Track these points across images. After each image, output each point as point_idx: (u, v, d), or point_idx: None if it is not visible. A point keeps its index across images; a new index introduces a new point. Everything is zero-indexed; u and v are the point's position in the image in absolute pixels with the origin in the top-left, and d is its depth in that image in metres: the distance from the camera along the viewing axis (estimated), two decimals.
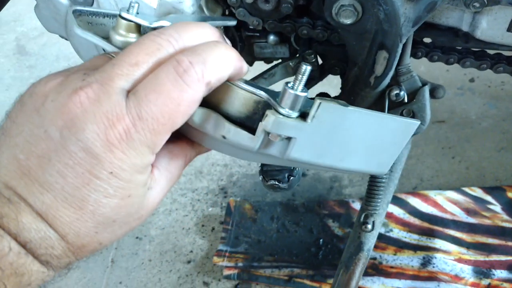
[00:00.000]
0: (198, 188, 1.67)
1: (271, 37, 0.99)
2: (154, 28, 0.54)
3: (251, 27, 0.93)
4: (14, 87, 2.20)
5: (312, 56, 0.93)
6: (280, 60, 1.06)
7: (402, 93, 0.87)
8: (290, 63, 0.96)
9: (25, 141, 0.45)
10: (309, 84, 1.04)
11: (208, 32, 0.51)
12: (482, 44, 0.87)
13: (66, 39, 0.92)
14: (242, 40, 1.01)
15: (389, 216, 1.40)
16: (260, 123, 0.49)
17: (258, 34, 1.01)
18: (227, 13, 0.95)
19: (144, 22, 0.54)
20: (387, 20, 0.78)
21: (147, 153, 0.46)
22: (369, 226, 0.96)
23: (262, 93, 0.50)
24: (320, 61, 1.01)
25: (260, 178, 0.83)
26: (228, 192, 1.64)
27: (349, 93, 0.95)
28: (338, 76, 1.02)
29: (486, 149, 1.67)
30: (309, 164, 0.53)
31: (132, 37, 0.55)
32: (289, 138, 0.50)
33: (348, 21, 0.82)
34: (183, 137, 0.56)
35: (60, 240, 0.46)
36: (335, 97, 1.01)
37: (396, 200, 1.44)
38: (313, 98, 0.51)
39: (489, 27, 0.83)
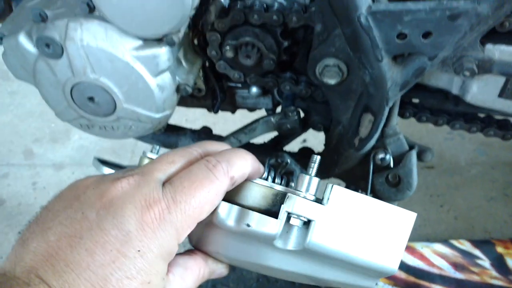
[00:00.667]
0: None
1: (253, 89, 0.94)
2: None
3: (232, 78, 0.89)
4: None
5: (294, 113, 0.88)
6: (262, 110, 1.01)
7: (388, 157, 0.82)
8: (272, 119, 0.91)
9: (59, 223, 0.47)
10: (290, 138, 1.00)
11: (223, 144, 0.61)
12: (473, 108, 0.83)
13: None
14: (223, 90, 0.96)
15: None
16: (282, 205, 0.53)
17: (240, 85, 0.96)
18: (207, 64, 0.91)
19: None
20: (373, 83, 0.74)
21: (174, 237, 0.48)
22: None
23: (280, 186, 0.56)
24: (302, 114, 0.96)
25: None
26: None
27: (333, 152, 0.90)
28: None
29: (475, 198, 1.62)
30: (327, 256, 0.54)
31: None
32: (307, 225, 0.53)
33: (332, 82, 0.78)
34: (199, 253, 0.59)
35: None
36: (319, 153, 0.97)
37: None
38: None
39: (479, 92, 0.79)
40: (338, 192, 0.53)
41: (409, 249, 1.40)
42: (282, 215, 0.53)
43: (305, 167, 0.70)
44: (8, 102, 2.22)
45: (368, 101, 0.77)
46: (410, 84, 0.74)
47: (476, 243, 1.42)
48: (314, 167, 0.56)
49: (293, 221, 0.53)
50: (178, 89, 0.83)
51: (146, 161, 0.60)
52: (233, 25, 0.80)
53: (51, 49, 0.76)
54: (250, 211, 0.53)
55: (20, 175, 1.82)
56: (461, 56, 0.71)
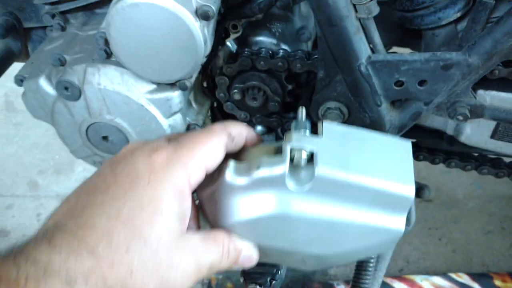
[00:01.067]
0: None
1: (258, 128, 0.99)
2: None
3: (238, 118, 0.93)
4: None
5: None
6: None
7: None
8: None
9: (78, 189, 0.51)
10: None
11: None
12: (467, 148, 0.88)
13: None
14: None
15: None
16: (283, 142, 0.54)
17: (245, 123, 1.01)
18: (215, 105, 0.96)
19: None
20: (373, 125, 0.79)
21: (183, 175, 0.50)
22: None
23: (278, 143, 0.57)
24: None
25: (241, 280, 0.80)
26: None
27: None
28: None
29: (473, 231, 1.66)
30: (340, 183, 0.52)
31: None
32: (311, 162, 0.53)
33: None
34: (219, 229, 0.57)
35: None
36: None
37: (382, 285, 1.41)
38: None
39: (473, 133, 0.83)
40: (329, 125, 0.56)
41: (408, 282, 1.43)
42: (286, 150, 0.52)
43: None
44: (13, 134, 2.26)
45: None
46: (407, 127, 0.79)
47: (475, 277, 1.45)
48: (302, 117, 0.59)
49: (297, 158, 0.52)
50: (188, 128, 0.88)
51: None
52: (241, 70, 0.85)
53: (70, 91, 0.81)
54: (257, 158, 0.54)
55: (25, 206, 1.85)
56: (454, 101, 0.76)
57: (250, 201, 0.54)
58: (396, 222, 0.55)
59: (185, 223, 0.50)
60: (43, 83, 0.84)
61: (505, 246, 1.60)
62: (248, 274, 0.80)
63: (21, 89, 0.88)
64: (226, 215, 0.55)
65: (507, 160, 0.94)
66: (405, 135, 0.88)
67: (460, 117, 0.75)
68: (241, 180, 0.53)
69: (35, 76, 0.85)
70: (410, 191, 0.52)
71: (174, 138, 0.54)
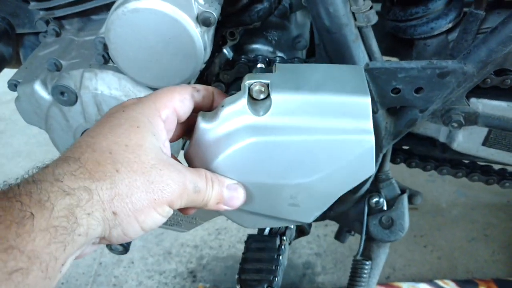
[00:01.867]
0: (166, 270, 1.61)
1: None
2: None
3: None
4: None
5: None
6: None
7: (381, 200, 0.88)
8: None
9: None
10: None
11: None
12: (458, 155, 0.90)
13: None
14: None
15: None
16: (242, 81, 0.57)
17: None
18: None
19: None
20: None
21: (152, 106, 0.55)
22: None
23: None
24: None
25: (238, 287, 0.80)
26: (197, 276, 1.59)
27: None
28: None
29: (457, 238, 1.68)
30: (296, 103, 0.55)
31: None
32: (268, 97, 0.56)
33: None
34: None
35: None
36: None
37: None
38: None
39: (465, 140, 0.85)
40: (282, 64, 0.61)
41: None
42: (244, 86, 0.56)
43: None
44: None
45: None
46: (402, 134, 0.81)
47: (460, 283, 1.47)
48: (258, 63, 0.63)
49: (255, 91, 0.56)
50: None
51: None
52: (238, 77, 0.86)
53: (66, 96, 0.80)
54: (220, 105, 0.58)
55: None
56: (449, 109, 0.78)
57: (223, 138, 0.57)
58: (363, 131, 0.56)
59: (161, 141, 0.53)
60: (38, 87, 0.83)
61: (488, 253, 1.63)
62: (244, 281, 0.80)
63: (3, 97, 0.87)
64: (207, 160, 0.58)
65: (496, 167, 0.96)
66: (398, 142, 0.90)
67: (455, 124, 0.77)
68: (212, 124, 0.57)
69: (29, 81, 0.84)
70: (363, 96, 0.55)
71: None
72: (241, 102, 0.56)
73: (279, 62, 0.60)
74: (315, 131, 0.56)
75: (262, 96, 0.56)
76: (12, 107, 2.33)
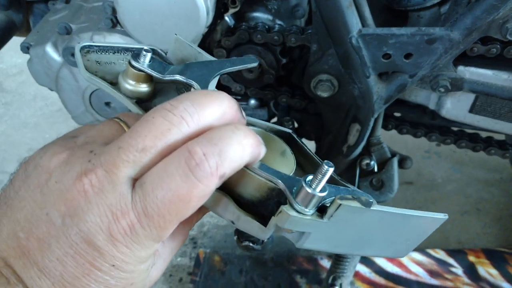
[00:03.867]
0: None
1: (252, 101, 1.04)
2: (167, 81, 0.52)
3: (233, 90, 0.99)
4: None
5: (290, 123, 0.98)
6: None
7: (372, 163, 0.93)
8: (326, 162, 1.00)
9: (26, 219, 0.43)
10: None
11: (227, 106, 0.45)
12: (447, 122, 0.94)
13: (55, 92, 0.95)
14: None
15: (356, 274, 1.43)
16: (273, 217, 0.45)
17: (239, 97, 1.06)
18: None
19: (155, 74, 0.50)
20: (361, 96, 0.85)
21: (152, 246, 0.43)
22: None
23: (278, 181, 0.45)
24: (296, 125, 1.06)
25: (235, 237, 0.85)
26: (198, 242, 1.65)
27: (322, 159, 1.00)
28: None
29: (450, 212, 1.72)
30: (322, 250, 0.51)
31: (143, 87, 0.51)
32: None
33: (325, 95, 0.88)
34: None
35: None
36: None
37: (363, 259, 1.48)
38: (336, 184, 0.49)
39: (453, 107, 0.90)
40: (346, 209, 0.44)
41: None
42: (272, 226, 0.45)
43: None
44: (2, 113, 2.27)
45: (356, 112, 0.88)
46: (393, 98, 0.85)
47: (450, 252, 1.53)
48: (322, 180, 0.43)
49: (285, 230, 0.46)
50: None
51: (132, 73, 0.51)
52: (238, 43, 0.90)
53: None
54: (237, 210, 0.46)
55: None
56: (437, 75, 0.82)
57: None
58: None
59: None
60: (50, 50, 0.87)
61: (480, 225, 1.69)
62: (241, 233, 0.85)
63: (10, 70, 0.92)
64: None
65: (483, 134, 1.01)
66: (390, 109, 0.95)
67: (442, 89, 0.82)
68: (218, 210, 0.48)
69: (41, 44, 0.88)
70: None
71: (138, 186, 0.42)
72: (259, 234, 0.46)
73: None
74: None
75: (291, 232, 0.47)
76: (18, 79, 2.38)
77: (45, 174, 0.44)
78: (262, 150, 0.45)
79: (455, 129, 1.01)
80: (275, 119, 1.08)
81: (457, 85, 0.82)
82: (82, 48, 0.51)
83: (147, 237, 0.42)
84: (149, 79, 0.51)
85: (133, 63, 0.49)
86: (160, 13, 0.77)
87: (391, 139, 1.15)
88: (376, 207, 0.44)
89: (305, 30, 0.88)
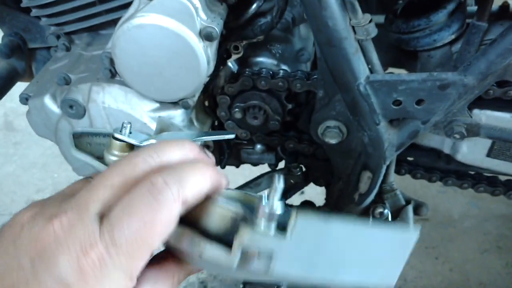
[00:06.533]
0: None
1: (258, 146, 1.00)
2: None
3: (238, 136, 0.95)
4: None
5: (298, 169, 0.94)
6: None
7: (386, 211, 0.88)
8: (276, 174, 0.96)
9: (0, 273, 0.43)
10: (292, 192, 1.05)
11: (187, 149, 0.50)
12: (463, 166, 0.89)
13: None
14: (229, 146, 1.02)
15: None
16: (235, 238, 0.45)
17: (245, 142, 1.03)
18: (216, 123, 0.98)
19: (134, 142, 0.55)
20: (371, 144, 0.81)
21: (123, 279, 0.43)
22: None
23: (237, 210, 0.47)
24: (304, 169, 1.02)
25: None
26: (208, 286, 1.60)
27: (334, 207, 0.95)
28: None
29: (469, 250, 1.67)
30: (298, 278, 0.48)
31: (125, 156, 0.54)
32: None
33: (333, 141, 0.84)
34: (170, 258, 0.52)
35: None
36: (320, 207, 1.01)
37: None
38: (291, 206, 0.48)
39: (469, 151, 0.85)
40: (304, 223, 0.44)
41: None
42: (236, 250, 0.45)
43: None
44: (12, 153, 2.27)
45: (367, 160, 0.83)
46: (405, 145, 0.81)
47: None
48: (277, 189, 0.45)
49: (251, 253, 0.45)
50: None
51: (115, 145, 0.56)
52: (242, 90, 0.87)
53: (75, 110, 0.82)
54: (202, 241, 0.46)
55: None
56: (451, 120, 0.78)
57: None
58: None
59: None
60: (48, 101, 0.85)
61: (501, 264, 1.61)
62: (248, 283, 0.81)
63: (20, 109, 0.90)
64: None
65: (503, 178, 0.96)
66: (403, 154, 0.90)
67: (457, 136, 0.77)
68: (184, 247, 0.48)
69: (40, 95, 0.86)
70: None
71: (105, 217, 0.43)
72: (227, 263, 0.46)
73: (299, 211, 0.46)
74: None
75: (257, 256, 0.45)
76: None
77: (18, 228, 0.45)
78: (223, 180, 0.49)
79: (472, 172, 0.96)
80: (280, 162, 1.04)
81: (473, 131, 0.78)
82: (74, 134, 0.61)
83: (116, 267, 0.42)
84: (131, 148, 0.56)
85: (116, 134, 0.55)
86: (159, 64, 0.74)
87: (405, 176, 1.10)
88: (334, 222, 0.45)
89: (311, 75, 0.85)
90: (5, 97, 1.05)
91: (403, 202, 0.90)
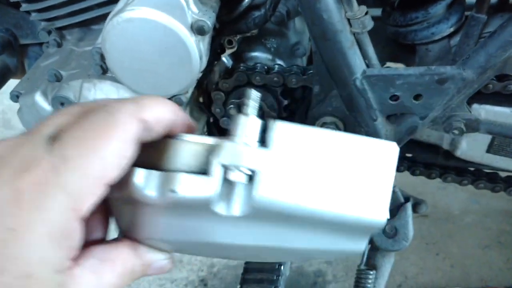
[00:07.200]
0: (177, 278, 1.61)
1: None
2: None
3: None
4: None
5: None
6: None
7: None
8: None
9: None
10: None
11: (169, 104, 0.44)
12: (463, 162, 0.88)
13: None
14: None
15: None
16: (214, 159, 0.39)
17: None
18: (211, 120, 0.96)
19: None
20: None
21: (66, 207, 0.35)
22: None
23: (212, 139, 0.42)
24: None
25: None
26: (208, 284, 1.58)
27: None
28: None
29: (469, 246, 1.65)
30: (285, 213, 0.41)
31: None
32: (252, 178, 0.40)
33: None
34: (127, 243, 0.45)
35: None
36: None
37: None
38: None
39: (469, 148, 0.84)
40: (284, 130, 0.40)
41: None
42: (215, 169, 0.39)
43: None
44: None
45: None
46: (403, 141, 0.79)
47: None
48: (251, 105, 0.41)
49: (233, 176, 0.40)
50: None
51: None
52: (237, 85, 0.85)
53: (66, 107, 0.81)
54: (174, 173, 0.40)
55: None
56: (450, 116, 0.76)
57: (169, 220, 0.43)
58: (356, 245, 0.44)
59: (68, 271, 0.38)
60: (39, 98, 0.84)
61: (502, 260, 1.60)
62: (246, 280, 0.80)
63: (13, 108, 0.88)
64: (140, 229, 0.45)
65: (503, 174, 0.94)
66: (401, 150, 0.89)
67: (456, 131, 0.76)
68: (152, 192, 0.41)
69: (31, 92, 0.85)
70: (376, 223, 0.41)
71: (57, 137, 0.37)
72: (206, 189, 0.40)
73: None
74: (299, 241, 0.44)
75: (241, 181, 0.40)
76: None
77: None
78: (187, 117, 0.44)
79: (472, 168, 0.94)
80: None
81: (472, 126, 0.76)
82: None
83: (62, 188, 0.35)
84: None
85: None
86: (150, 59, 0.72)
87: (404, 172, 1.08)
88: (317, 128, 0.43)
89: (307, 70, 0.83)
90: (2, 95, 1.03)
91: (402, 200, 0.88)
